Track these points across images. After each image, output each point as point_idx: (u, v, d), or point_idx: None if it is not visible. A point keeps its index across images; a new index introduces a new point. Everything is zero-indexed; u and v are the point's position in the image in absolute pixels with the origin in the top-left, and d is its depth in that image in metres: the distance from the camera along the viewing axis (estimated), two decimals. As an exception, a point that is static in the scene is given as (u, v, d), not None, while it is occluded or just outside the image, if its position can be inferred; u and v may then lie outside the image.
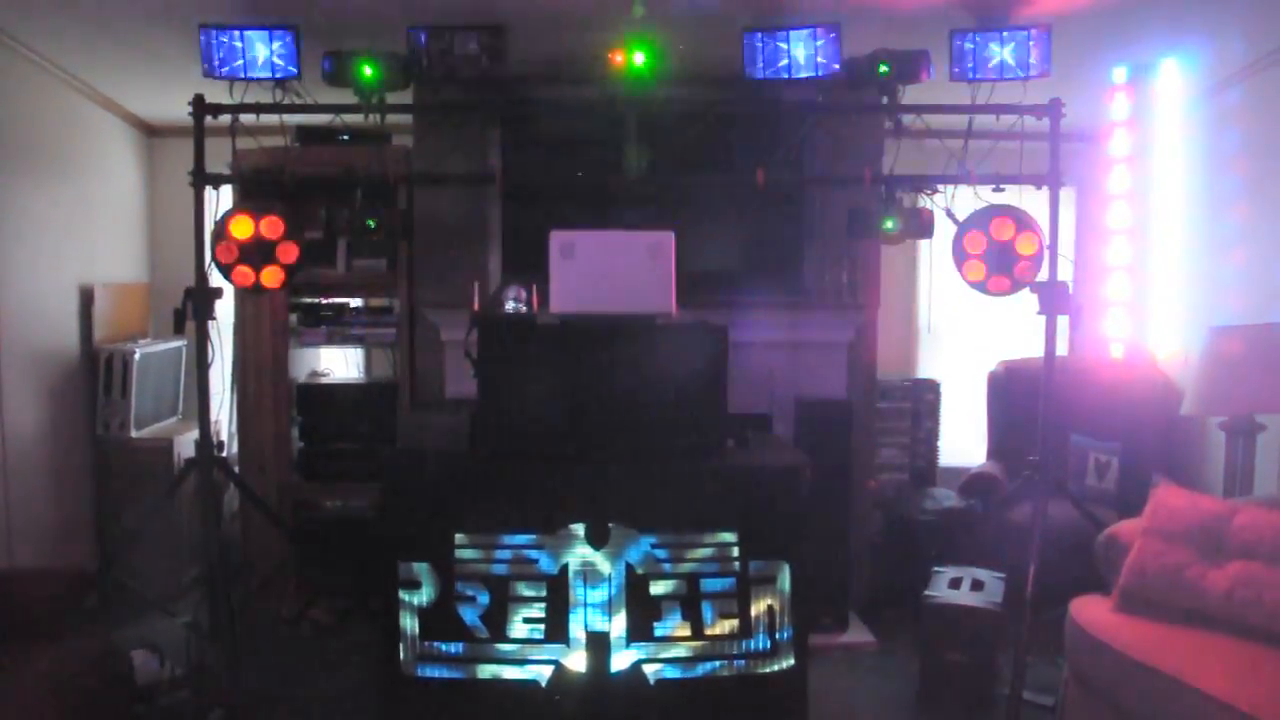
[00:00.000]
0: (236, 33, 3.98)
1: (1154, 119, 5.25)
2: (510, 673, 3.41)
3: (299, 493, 5.15)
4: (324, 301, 5.28)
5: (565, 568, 3.40)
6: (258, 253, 4.03)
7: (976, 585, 4.14)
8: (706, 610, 3.44)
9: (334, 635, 4.72)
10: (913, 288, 6.26)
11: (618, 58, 4.03)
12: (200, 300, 4.14)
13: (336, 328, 5.25)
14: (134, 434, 5.20)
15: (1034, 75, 3.99)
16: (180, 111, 4.20)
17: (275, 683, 4.22)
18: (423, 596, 3.39)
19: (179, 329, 4.18)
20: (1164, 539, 3.57)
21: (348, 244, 5.13)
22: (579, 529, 3.39)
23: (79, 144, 5.31)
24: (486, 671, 3.41)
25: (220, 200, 4.29)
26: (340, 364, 5.74)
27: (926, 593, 4.14)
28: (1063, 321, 4.18)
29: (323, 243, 4.89)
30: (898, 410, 5.86)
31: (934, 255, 6.04)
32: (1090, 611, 3.61)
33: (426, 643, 3.41)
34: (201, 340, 4.18)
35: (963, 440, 6.04)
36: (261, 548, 5.07)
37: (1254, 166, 4.74)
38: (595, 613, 3.40)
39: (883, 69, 4.04)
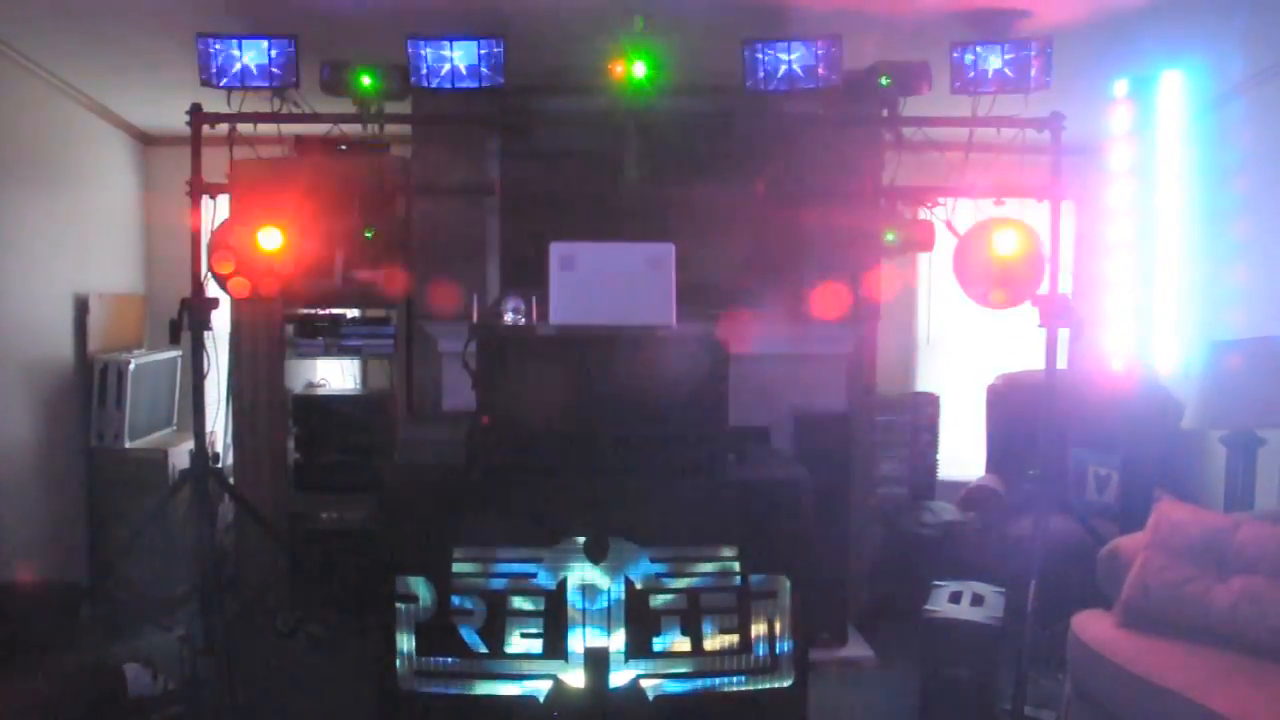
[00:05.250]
0: (234, 41, 3.97)
1: (1154, 132, 5.25)
2: (508, 689, 3.38)
3: (294, 505, 5.11)
4: (320, 312, 5.24)
5: (564, 583, 3.37)
6: (254, 263, 4.01)
7: (977, 600, 4.11)
8: (706, 625, 3.41)
9: (329, 650, 4.68)
10: (912, 300, 6.25)
11: (618, 69, 4.03)
12: (196, 311, 4.11)
13: (333, 339, 5.21)
14: (128, 445, 5.17)
15: (1034, 88, 3.98)
16: (177, 120, 4.18)
17: (270, 698, 4.18)
18: (420, 611, 3.36)
19: (175, 339, 4.16)
20: (1167, 554, 3.56)
21: (345, 254, 5.10)
22: (578, 543, 3.37)
23: (74, 153, 5.29)
24: (484, 688, 3.38)
25: (217, 210, 4.26)
26: (337, 375, 5.71)
27: (926, 607, 4.11)
28: (1062, 335, 4.17)
29: (320, 253, 4.87)
30: (897, 423, 5.84)
31: (933, 268, 6.02)
32: (1092, 626, 3.59)
33: (423, 658, 3.37)
34: (197, 351, 4.15)
35: (962, 453, 6.02)
36: (256, 560, 5.03)
37: (1255, 180, 4.74)
38: (594, 628, 3.37)
39: (883, 81, 4.03)
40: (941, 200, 4.29)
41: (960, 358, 6.26)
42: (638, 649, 3.38)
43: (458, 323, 4.50)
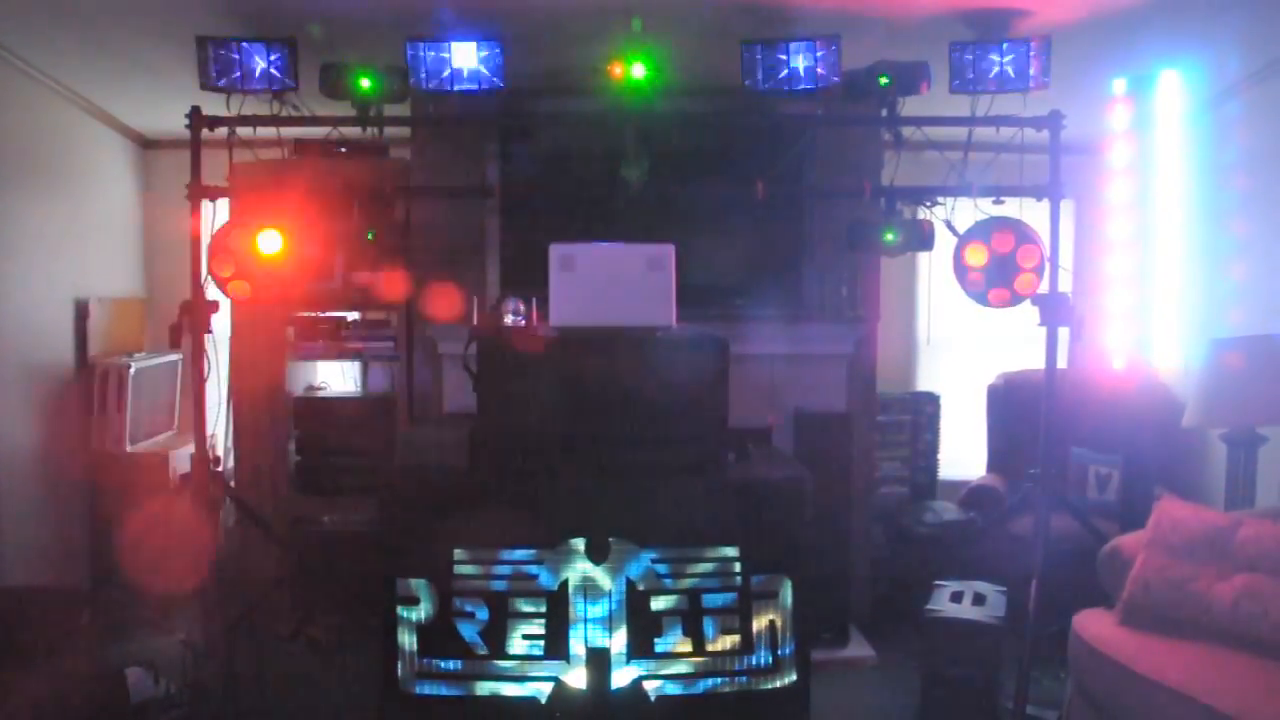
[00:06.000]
0: (233, 45, 3.97)
1: (1153, 130, 5.25)
2: (510, 690, 3.38)
3: (296, 508, 5.11)
4: (321, 315, 5.25)
5: (565, 583, 3.37)
6: (254, 266, 4.01)
7: (978, 599, 4.11)
8: (708, 626, 3.42)
9: (331, 652, 4.68)
10: (912, 300, 6.25)
11: (617, 70, 4.03)
12: (196, 314, 4.11)
13: (333, 341, 5.21)
14: (129, 448, 5.17)
15: (1034, 87, 3.98)
16: (177, 124, 4.17)
17: (271, 700, 4.18)
18: (421, 613, 3.37)
19: (175, 343, 4.16)
20: (1167, 552, 3.56)
21: (345, 257, 5.10)
22: (579, 544, 3.37)
23: (74, 157, 5.29)
24: (485, 688, 3.39)
25: (217, 213, 4.26)
26: (337, 378, 5.71)
27: (927, 607, 4.11)
28: (1063, 333, 4.17)
29: (320, 256, 4.86)
30: (898, 423, 5.84)
31: (934, 268, 6.03)
32: (1094, 625, 3.59)
33: (425, 660, 3.38)
34: (198, 354, 4.15)
35: (963, 453, 6.02)
36: (258, 564, 5.01)
37: (1254, 178, 4.74)
38: (595, 629, 3.37)
39: (882, 81, 4.03)
40: (941, 199, 4.29)
41: (961, 357, 6.26)
42: (639, 649, 3.39)
43: (458, 325, 4.50)
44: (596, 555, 3.37)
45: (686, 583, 3.41)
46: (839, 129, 4.84)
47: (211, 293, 4.14)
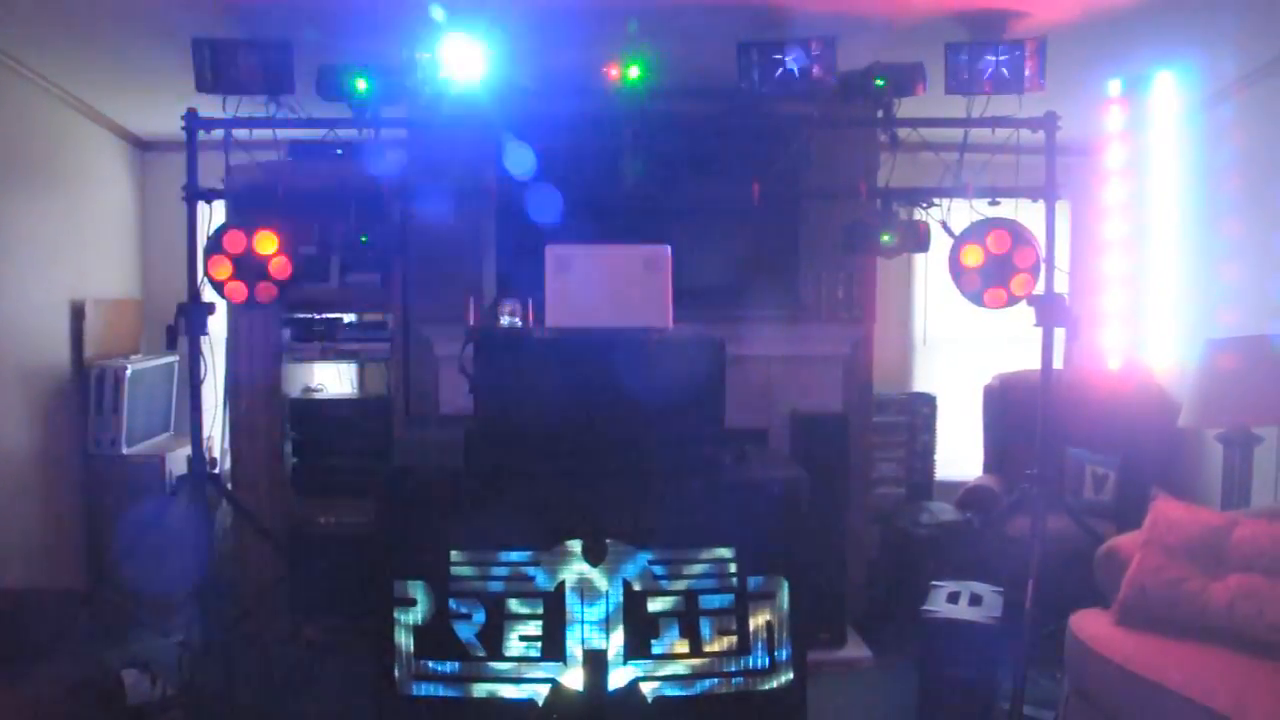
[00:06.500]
0: (230, 46, 3.96)
1: (1149, 131, 5.26)
2: (506, 691, 3.38)
3: (292, 509, 5.11)
4: (317, 316, 5.24)
5: (562, 585, 3.37)
6: (251, 268, 4.01)
7: (975, 600, 4.11)
8: (704, 627, 3.42)
9: (328, 654, 4.68)
10: (909, 301, 6.26)
11: (613, 71, 4.03)
12: (193, 316, 4.11)
13: (330, 343, 5.21)
14: (125, 450, 5.16)
15: (1029, 88, 3.98)
16: (172, 126, 4.17)
17: (269, 702, 4.18)
18: (418, 614, 3.37)
19: (171, 345, 4.16)
20: (1163, 552, 3.56)
21: (341, 258, 5.10)
22: (576, 545, 3.37)
23: (70, 158, 5.29)
24: (482, 690, 3.39)
25: (213, 215, 4.26)
26: (334, 379, 5.71)
27: (924, 607, 4.11)
28: (1059, 334, 4.17)
29: (316, 257, 4.87)
30: (894, 424, 5.85)
31: (930, 269, 6.03)
32: (1090, 625, 3.60)
33: (422, 661, 3.38)
34: (194, 356, 4.15)
35: (959, 454, 6.03)
36: (254, 565, 5.02)
37: (1249, 179, 4.75)
38: (592, 630, 3.38)
39: (878, 82, 4.03)
40: (937, 200, 4.29)
41: (957, 358, 6.26)
42: (636, 651, 3.39)
43: (454, 326, 4.49)
44: (593, 556, 3.38)
45: (683, 584, 3.41)
46: (835, 130, 4.82)
47: (208, 294, 4.14)
